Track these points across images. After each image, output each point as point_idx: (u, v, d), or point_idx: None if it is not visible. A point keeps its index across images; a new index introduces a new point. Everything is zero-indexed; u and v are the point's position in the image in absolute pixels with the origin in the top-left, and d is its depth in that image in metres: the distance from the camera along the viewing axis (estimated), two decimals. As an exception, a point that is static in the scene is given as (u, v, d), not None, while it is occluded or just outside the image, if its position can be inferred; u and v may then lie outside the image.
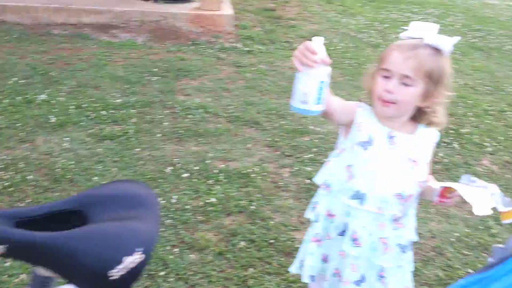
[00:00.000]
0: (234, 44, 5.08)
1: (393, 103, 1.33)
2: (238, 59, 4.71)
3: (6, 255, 0.76)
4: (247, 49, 4.99)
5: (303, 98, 1.23)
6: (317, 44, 1.22)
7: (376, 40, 5.94)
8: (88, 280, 0.72)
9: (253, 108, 3.76)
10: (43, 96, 3.56)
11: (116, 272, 0.70)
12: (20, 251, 0.76)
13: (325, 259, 1.56)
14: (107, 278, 0.69)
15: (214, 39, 5.16)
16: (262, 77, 4.36)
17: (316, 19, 6.65)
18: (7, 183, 2.63)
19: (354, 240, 1.46)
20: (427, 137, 1.44)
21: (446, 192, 1.33)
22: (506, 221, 1.29)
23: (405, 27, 1.41)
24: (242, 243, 2.38)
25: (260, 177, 2.94)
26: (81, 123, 3.29)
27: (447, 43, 1.33)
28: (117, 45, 4.83)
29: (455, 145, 3.48)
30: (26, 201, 2.52)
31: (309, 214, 1.60)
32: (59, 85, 3.81)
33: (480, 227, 2.65)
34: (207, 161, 3.02)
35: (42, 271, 0.80)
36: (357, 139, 1.41)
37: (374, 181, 1.40)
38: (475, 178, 1.32)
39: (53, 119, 3.29)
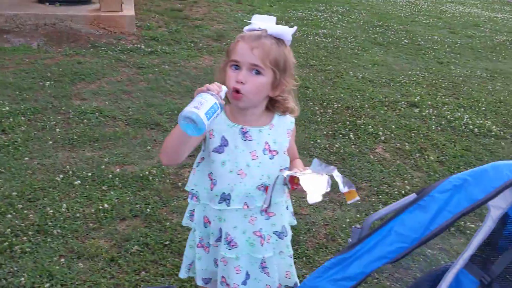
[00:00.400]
0: (136, 45, 4.96)
1: (241, 93, 1.33)
2: (140, 60, 4.61)
3: None
4: (150, 49, 4.90)
5: (196, 106, 1.20)
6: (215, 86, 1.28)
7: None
8: None
9: (154, 110, 3.68)
10: None
11: None
12: None
13: (216, 263, 1.55)
14: None
15: (115, 41, 5.00)
16: (165, 77, 4.29)
17: (224, 19, 6.67)
18: None
19: (229, 242, 1.46)
20: (282, 125, 1.46)
21: (294, 180, 1.36)
22: (350, 201, 1.34)
23: (247, 21, 1.42)
24: (135, 247, 2.32)
25: (159, 179, 2.88)
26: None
27: (288, 33, 1.36)
28: (9, 50, 4.55)
29: (351, 135, 3.62)
30: None
31: (186, 222, 1.58)
32: None
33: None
34: (102, 167, 2.91)
35: None
36: (211, 146, 1.40)
37: (235, 179, 1.41)
38: (323, 162, 1.36)
39: None
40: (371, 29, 7.13)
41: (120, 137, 3.27)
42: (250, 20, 1.39)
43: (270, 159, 1.42)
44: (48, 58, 4.42)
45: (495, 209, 1.51)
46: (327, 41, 6.16)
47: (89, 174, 2.82)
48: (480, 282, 1.56)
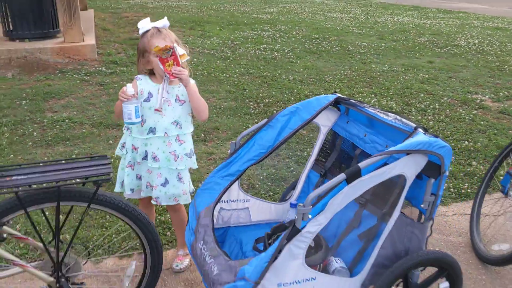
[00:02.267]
0: (98, 68, 5.77)
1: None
2: (102, 79, 5.42)
3: None
4: (111, 71, 5.71)
5: (129, 117, 2.06)
6: (129, 87, 2.06)
7: (226, 54, 6.96)
8: None
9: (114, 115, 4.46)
10: None
11: None
12: None
13: (139, 178, 2.33)
14: None
15: (80, 66, 5.81)
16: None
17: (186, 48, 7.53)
18: None
19: (154, 158, 2.24)
20: (186, 81, 2.26)
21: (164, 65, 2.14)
22: (183, 60, 2.13)
23: (140, 27, 2.21)
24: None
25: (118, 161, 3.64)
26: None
27: (165, 23, 2.19)
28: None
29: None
30: None
31: (118, 152, 2.36)
32: None
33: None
34: (73, 156, 3.67)
35: None
36: (142, 99, 2.21)
37: (158, 118, 2.21)
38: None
39: None
40: (307, 41, 8.11)
41: (87, 136, 4.03)
42: (140, 28, 2.20)
43: (179, 105, 2.23)
44: (22, 84, 5.19)
45: (323, 127, 2.36)
46: (266, 53, 7.09)
47: (63, 162, 3.58)
48: (320, 174, 2.40)
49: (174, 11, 11.57)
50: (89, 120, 4.34)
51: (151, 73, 2.24)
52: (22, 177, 1.59)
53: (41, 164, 1.70)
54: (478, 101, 5.09)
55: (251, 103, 4.88)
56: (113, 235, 2.67)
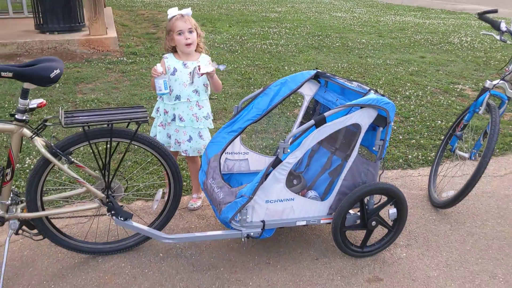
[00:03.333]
0: (120, 58, 6.46)
1: (190, 43, 2.79)
2: (124, 68, 6.10)
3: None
4: (131, 61, 6.40)
5: (159, 89, 2.71)
6: (159, 66, 2.71)
7: (235, 48, 7.62)
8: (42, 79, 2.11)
9: (136, 97, 5.14)
10: (-29, 103, 4.69)
11: (53, 74, 2.10)
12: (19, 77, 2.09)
13: (169, 136, 2.98)
14: (49, 77, 2.10)
15: (103, 57, 6.51)
16: (143, 77, 5.77)
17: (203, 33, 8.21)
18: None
19: (180, 119, 2.89)
20: (203, 59, 2.91)
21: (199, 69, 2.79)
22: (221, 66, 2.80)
23: (169, 13, 2.86)
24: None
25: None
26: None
27: (189, 11, 2.84)
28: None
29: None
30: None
31: (154, 114, 3.02)
32: (-19, 96, 4.95)
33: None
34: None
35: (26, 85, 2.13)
36: (169, 72, 2.86)
37: (182, 87, 2.85)
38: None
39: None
40: (311, 37, 8.75)
41: (113, 113, 4.70)
42: (168, 13, 2.86)
43: (198, 77, 2.88)
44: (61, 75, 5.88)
45: (307, 96, 3.00)
46: (271, 48, 7.75)
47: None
48: (304, 133, 3.04)
49: (187, 9, 12.25)
50: (113, 101, 5.02)
51: (174, 51, 2.89)
52: (86, 117, 2.26)
53: (97, 110, 2.37)
54: (458, 90, 5.70)
55: (255, 89, 5.52)
56: (146, 169, 3.34)
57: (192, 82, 2.82)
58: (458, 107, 5.07)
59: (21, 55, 6.36)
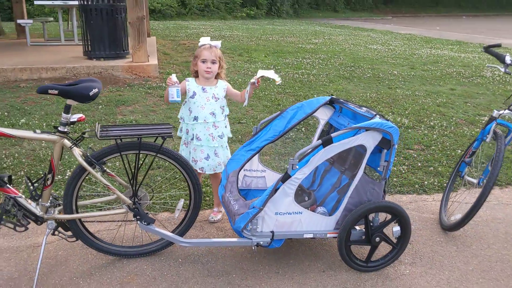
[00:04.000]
0: (159, 84, 6.90)
1: (210, 72, 3.10)
2: (162, 93, 6.51)
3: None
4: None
5: (172, 96, 3.01)
6: (174, 76, 3.02)
7: (267, 77, 7.94)
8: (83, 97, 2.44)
9: (171, 120, 5.49)
10: (23, 120, 5.16)
11: (92, 92, 2.43)
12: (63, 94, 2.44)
13: (190, 154, 3.27)
14: (89, 95, 2.42)
15: (144, 82, 6.97)
16: (179, 103, 6.13)
17: (226, 65, 8.61)
18: None
19: (197, 138, 3.18)
20: (220, 85, 3.20)
21: (258, 80, 3.05)
22: (277, 82, 3.05)
23: (200, 41, 3.18)
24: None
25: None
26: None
27: (218, 44, 3.14)
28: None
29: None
30: None
31: (178, 133, 3.32)
32: (31, 114, 5.43)
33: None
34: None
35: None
36: (189, 95, 3.16)
37: (199, 109, 3.14)
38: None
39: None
40: (343, 68, 9.00)
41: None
42: (200, 41, 3.18)
43: (215, 101, 3.16)
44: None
45: (322, 120, 3.23)
46: (303, 77, 8.03)
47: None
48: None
49: (226, 40, 12.80)
50: (150, 122, 5.39)
51: (196, 76, 3.19)
52: (118, 131, 2.57)
53: (128, 125, 2.67)
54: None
55: (284, 116, 5.78)
56: (169, 180, 3.62)
57: (246, 102, 3.09)
58: (481, 138, 5.14)
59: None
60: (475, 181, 3.21)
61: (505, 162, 4.48)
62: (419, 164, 4.38)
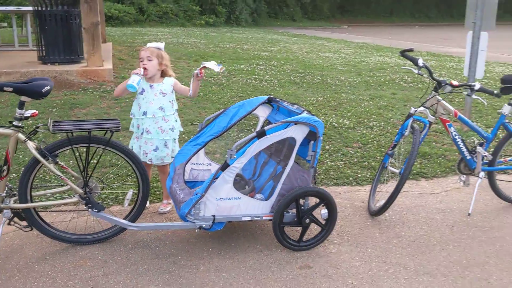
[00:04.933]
0: (114, 88, 7.06)
1: (147, 68, 3.36)
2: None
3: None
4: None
5: (133, 80, 3.24)
6: (141, 70, 3.28)
7: (221, 81, 8.27)
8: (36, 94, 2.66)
9: (125, 122, 5.67)
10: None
11: (44, 89, 2.66)
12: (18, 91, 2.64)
13: (141, 148, 3.51)
14: (42, 92, 2.65)
15: (99, 86, 7.13)
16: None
17: (180, 71, 8.88)
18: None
19: (147, 131, 3.43)
20: (167, 82, 3.47)
21: (201, 70, 3.31)
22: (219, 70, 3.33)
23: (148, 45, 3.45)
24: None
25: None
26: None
27: (160, 45, 3.42)
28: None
29: (251, 129, 5.65)
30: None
31: (131, 128, 3.56)
32: (-15, 117, 5.51)
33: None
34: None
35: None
36: (138, 92, 3.42)
37: (148, 105, 3.40)
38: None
39: None
40: (294, 74, 9.42)
41: (102, 134, 5.25)
42: (146, 45, 3.44)
43: (162, 96, 3.43)
44: (53, 97, 6.48)
45: (261, 117, 3.55)
46: (256, 82, 8.39)
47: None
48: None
49: (183, 47, 13.04)
50: (105, 124, 5.57)
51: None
52: (69, 126, 2.80)
53: (79, 120, 2.91)
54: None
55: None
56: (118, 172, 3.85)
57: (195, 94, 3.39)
58: (414, 136, 5.62)
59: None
60: (397, 171, 3.60)
61: (432, 157, 4.94)
62: (355, 160, 4.78)
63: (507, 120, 3.71)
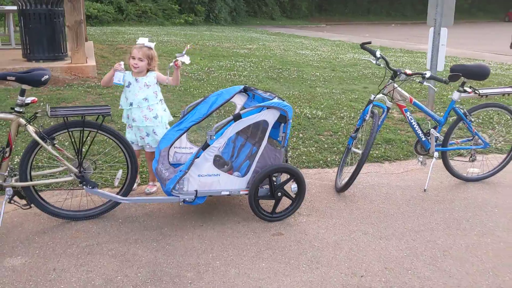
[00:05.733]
0: (97, 83, 7.36)
1: (137, 67, 3.71)
2: (100, 91, 7.00)
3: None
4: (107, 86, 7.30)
5: (118, 79, 3.60)
6: (122, 63, 3.62)
7: (201, 77, 8.62)
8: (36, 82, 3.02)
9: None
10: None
11: (43, 78, 2.99)
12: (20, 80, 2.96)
13: (136, 135, 3.85)
14: (41, 80, 2.98)
15: (83, 82, 7.41)
16: (117, 98, 6.65)
17: (161, 67, 9.16)
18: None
19: (134, 120, 3.77)
20: (150, 75, 3.81)
21: (176, 62, 3.69)
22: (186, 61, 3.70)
23: (137, 41, 3.80)
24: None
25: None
26: None
27: (151, 45, 3.76)
28: (12, 90, 6.86)
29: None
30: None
31: (123, 120, 3.89)
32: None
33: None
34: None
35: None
36: (125, 85, 3.76)
37: (134, 96, 3.74)
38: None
39: (-23, 126, 5.23)
40: (271, 70, 9.82)
41: (89, 126, 5.55)
42: (137, 40, 3.79)
43: (146, 88, 3.77)
44: (39, 92, 6.74)
45: (238, 104, 3.92)
46: (235, 77, 8.76)
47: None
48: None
49: (164, 45, 13.32)
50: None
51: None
52: (65, 111, 3.13)
53: (75, 107, 3.24)
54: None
55: (214, 110, 6.45)
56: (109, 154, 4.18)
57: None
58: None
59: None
60: (360, 151, 4.02)
61: (396, 143, 5.39)
62: (326, 146, 5.20)
63: (456, 106, 4.16)
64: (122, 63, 3.65)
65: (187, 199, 3.26)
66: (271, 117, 3.32)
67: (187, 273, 2.82)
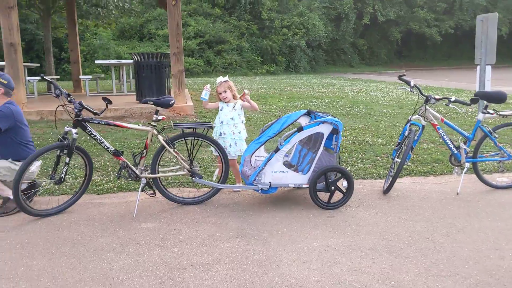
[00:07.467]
0: (195, 119, 9.00)
1: (225, 98, 5.12)
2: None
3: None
4: (202, 120, 8.91)
5: (205, 95, 5.07)
6: (208, 86, 5.12)
7: (278, 114, 10.01)
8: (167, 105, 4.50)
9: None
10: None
11: (171, 103, 4.50)
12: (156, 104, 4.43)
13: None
14: (169, 104, 4.50)
15: (184, 118, 9.09)
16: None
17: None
18: None
19: (224, 134, 5.14)
20: (238, 102, 5.17)
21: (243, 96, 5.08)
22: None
23: (217, 80, 5.22)
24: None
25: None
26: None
27: (226, 78, 5.18)
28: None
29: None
30: None
31: (213, 135, 5.30)
32: (107, 137, 7.52)
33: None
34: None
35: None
36: (220, 109, 5.17)
37: (224, 116, 5.13)
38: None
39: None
40: (341, 108, 10.99)
41: (190, 149, 7.07)
42: (217, 80, 5.23)
43: (234, 111, 5.14)
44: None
45: (303, 124, 5.18)
46: (308, 115, 10.05)
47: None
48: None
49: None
50: (190, 143, 7.40)
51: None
52: (183, 126, 4.57)
53: (189, 123, 4.69)
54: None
55: (289, 139, 7.74)
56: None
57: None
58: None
59: (127, 117, 9.07)
60: (399, 160, 5.05)
61: (444, 163, 6.29)
62: (381, 164, 6.24)
63: (481, 125, 5.09)
64: (208, 85, 5.09)
65: (264, 188, 4.51)
66: (325, 129, 4.53)
67: (263, 234, 4.03)
